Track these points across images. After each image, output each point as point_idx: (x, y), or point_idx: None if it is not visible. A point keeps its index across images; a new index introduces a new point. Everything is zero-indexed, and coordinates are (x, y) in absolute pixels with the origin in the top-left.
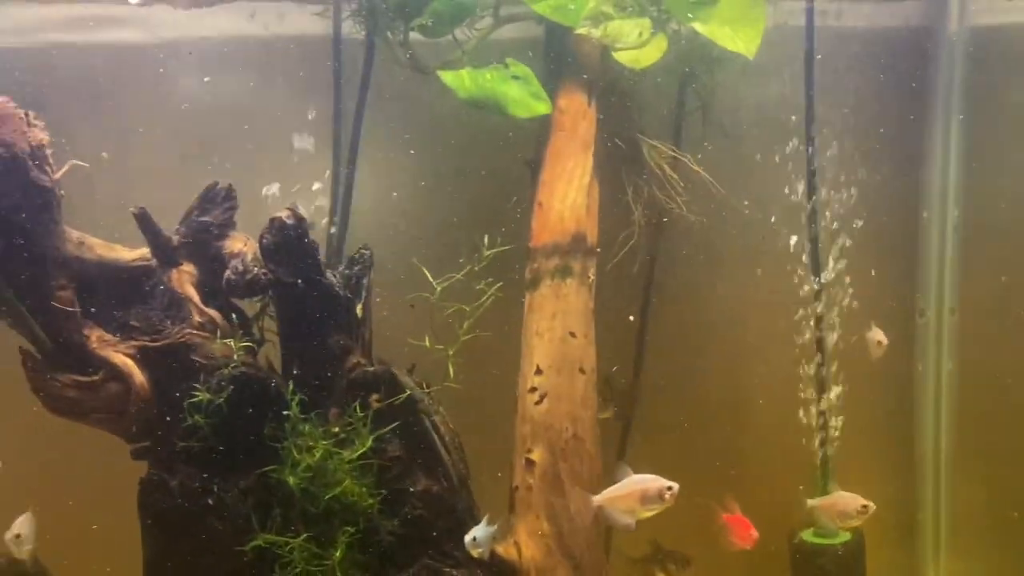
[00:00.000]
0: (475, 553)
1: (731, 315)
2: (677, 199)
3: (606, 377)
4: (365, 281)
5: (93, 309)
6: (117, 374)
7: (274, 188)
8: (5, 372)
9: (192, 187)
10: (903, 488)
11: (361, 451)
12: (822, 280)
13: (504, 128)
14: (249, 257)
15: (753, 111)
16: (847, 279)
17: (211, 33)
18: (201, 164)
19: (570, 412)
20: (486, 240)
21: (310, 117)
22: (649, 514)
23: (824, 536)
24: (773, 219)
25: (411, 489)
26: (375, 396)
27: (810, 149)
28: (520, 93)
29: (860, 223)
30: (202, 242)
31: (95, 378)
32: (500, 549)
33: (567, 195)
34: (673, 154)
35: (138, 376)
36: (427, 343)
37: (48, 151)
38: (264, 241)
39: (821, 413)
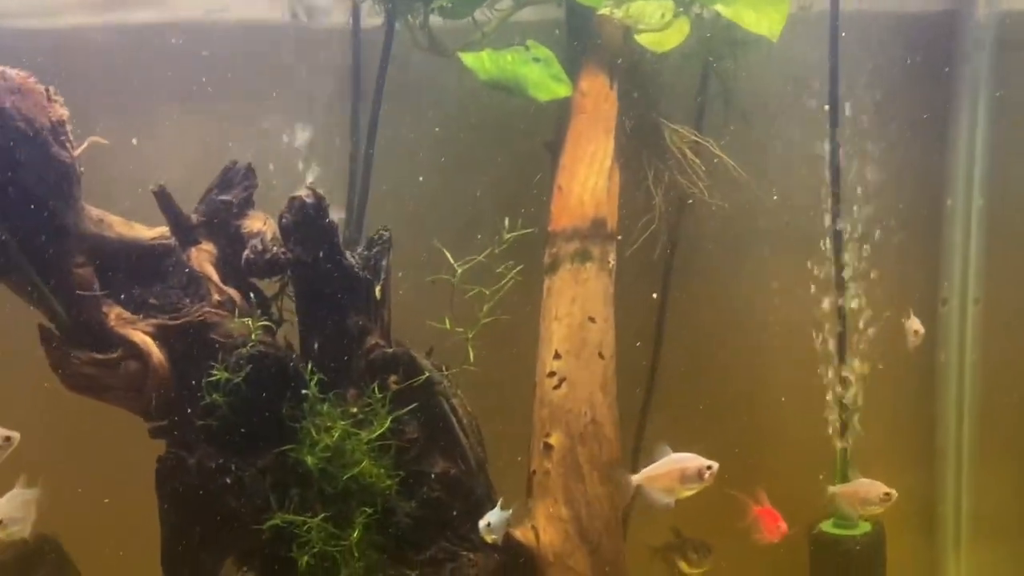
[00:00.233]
0: (489, 539)
1: (752, 302)
2: (699, 184)
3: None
4: (384, 262)
5: (112, 287)
6: (135, 352)
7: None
8: (23, 350)
9: (211, 170)
10: (924, 479)
11: (380, 431)
12: (844, 267)
13: (524, 111)
14: (268, 237)
15: (776, 96)
16: (869, 267)
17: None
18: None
19: (589, 397)
20: (507, 223)
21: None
22: (688, 493)
23: (844, 527)
24: (795, 204)
25: (429, 471)
26: (393, 378)
27: (834, 131)
28: (541, 75)
29: (883, 210)
30: (221, 221)
31: (113, 356)
32: (518, 533)
33: (588, 179)
34: (695, 138)
35: (156, 354)
36: (447, 324)
37: (68, 127)
38: (283, 220)
39: (842, 403)
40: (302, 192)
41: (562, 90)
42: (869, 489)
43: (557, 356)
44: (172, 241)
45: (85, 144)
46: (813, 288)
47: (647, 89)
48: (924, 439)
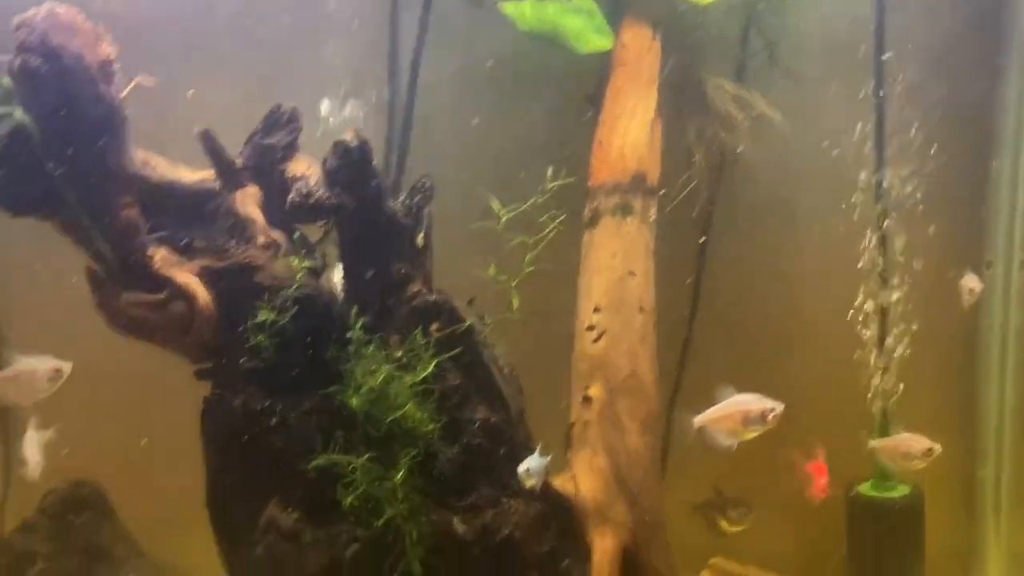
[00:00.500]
0: (528, 484)
1: (791, 262)
2: (741, 140)
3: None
4: (426, 211)
5: (157, 229)
6: (181, 293)
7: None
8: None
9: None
10: (964, 443)
11: (423, 375)
12: (885, 228)
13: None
14: (313, 181)
15: (819, 53)
16: (911, 229)
17: None
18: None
19: (628, 350)
20: (549, 172)
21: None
22: (752, 435)
23: (883, 489)
24: (838, 157)
25: (471, 417)
26: (435, 325)
27: (881, 92)
28: (582, 26)
29: (928, 172)
30: (265, 165)
31: (160, 297)
32: (557, 482)
33: (628, 132)
34: (739, 93)
35: (203, 295)
36: (491, 272)
37: (116, 66)
38: (328, 165)
39: (882, 366)
40: (346, 136)
41: (604, 42)
42: (911, 443)
43: (597, 310)
44: (216, 184)
45: (132, 84)
46: (853, 248)
47: (689, 44)
48: (965, 403)
